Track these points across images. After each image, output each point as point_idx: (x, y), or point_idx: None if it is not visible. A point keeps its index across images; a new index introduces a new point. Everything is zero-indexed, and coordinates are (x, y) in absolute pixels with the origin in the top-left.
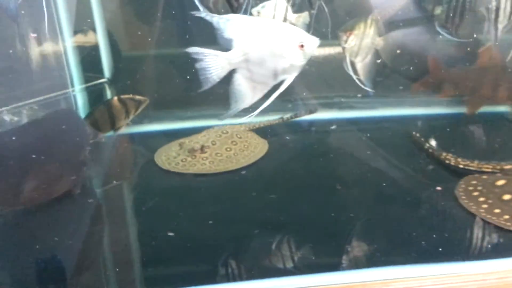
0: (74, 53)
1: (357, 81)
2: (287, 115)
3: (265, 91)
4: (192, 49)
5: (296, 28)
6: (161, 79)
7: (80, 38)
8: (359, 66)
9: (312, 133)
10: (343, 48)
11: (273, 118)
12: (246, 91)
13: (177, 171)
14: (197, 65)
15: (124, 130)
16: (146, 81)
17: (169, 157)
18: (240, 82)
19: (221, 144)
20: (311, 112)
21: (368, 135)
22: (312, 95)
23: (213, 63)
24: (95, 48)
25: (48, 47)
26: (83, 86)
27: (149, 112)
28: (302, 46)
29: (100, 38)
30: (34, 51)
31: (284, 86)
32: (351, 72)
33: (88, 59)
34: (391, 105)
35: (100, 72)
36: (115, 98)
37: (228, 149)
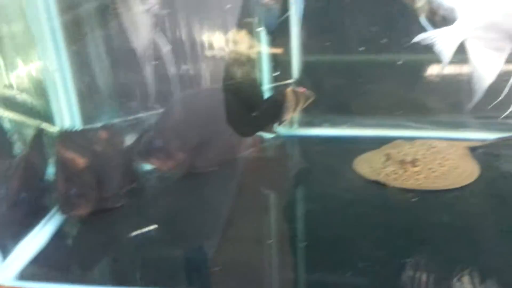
0: (267, 53)
1: None
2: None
3: (504, 57)
4: (420, 37)
5: None
6: (343, 84)
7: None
8: None
9: None
10: None
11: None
12: (483, 63)
13: (387, 183)
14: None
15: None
16: (328, 85)
17: (375, 168)
18: (474, 55)
19: (432, 159)
20: None
21: None
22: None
23: (443, 42)
24: (286, 50)
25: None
26: (272, 85)
27: (328, 116)
28: None
29: (294, 40)
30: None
31: None
32: None
33: (278, 59)
34: None
35: (288, 73)
36: (289, 89)
37: (441, 165)
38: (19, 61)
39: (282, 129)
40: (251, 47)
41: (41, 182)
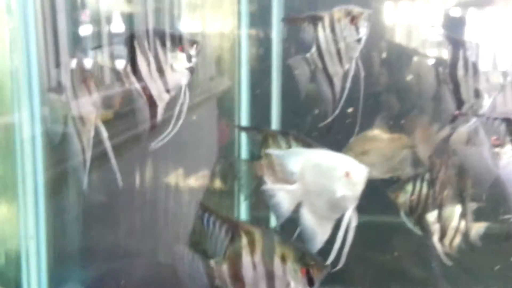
0: None
1: None
2: None
3: (330, 226)
4: (266, 187)
5: (344, 156)
6: None
7: None
8: None
9: None
10: None
11: None
12: (313, 227)
13: None
14: (269, 203)
15: None
16: None
17: None
18: (306, 217)
19: None
20: None
21: None
22: None
23: (282, 198)
24: None
25: None
26: None
27: None
28: (348, 175)
29: None
30: None
31: (344, 225)
32: None
33: None
34: None
35: None
36: None
37: None
38: None
39: None
40: None
41: None
